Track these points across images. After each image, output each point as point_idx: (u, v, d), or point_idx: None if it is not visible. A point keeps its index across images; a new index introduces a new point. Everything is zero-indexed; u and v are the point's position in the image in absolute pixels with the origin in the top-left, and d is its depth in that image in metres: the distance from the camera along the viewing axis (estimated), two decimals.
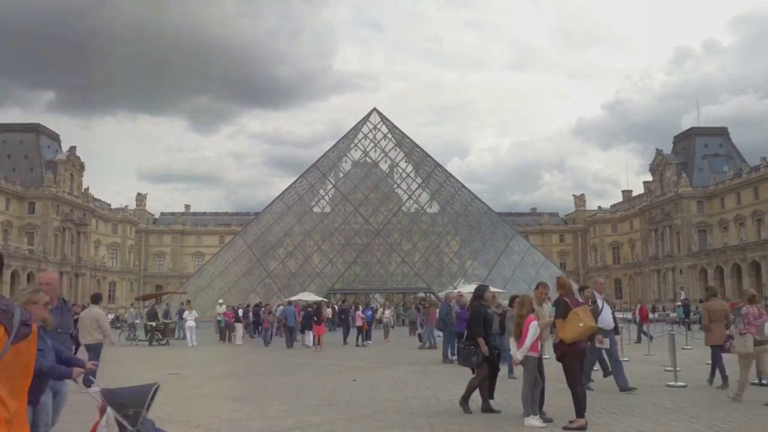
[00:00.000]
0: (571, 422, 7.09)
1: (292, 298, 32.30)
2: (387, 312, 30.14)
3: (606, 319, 10.32)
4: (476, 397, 9.11)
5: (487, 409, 8.22)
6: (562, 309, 7.26)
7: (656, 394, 9.82)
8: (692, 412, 8.12)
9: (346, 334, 24.80)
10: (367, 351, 20.64)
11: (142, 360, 18.41)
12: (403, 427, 7.36)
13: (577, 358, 7.31)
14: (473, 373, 8.46)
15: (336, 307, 34.44)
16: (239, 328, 25.13)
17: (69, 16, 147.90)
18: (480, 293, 8.77)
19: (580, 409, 7.13)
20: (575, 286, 9.95)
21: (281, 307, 27.20)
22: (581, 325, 7.15)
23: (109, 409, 4.37)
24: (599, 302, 10.30)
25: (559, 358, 7.44)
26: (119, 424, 4.35)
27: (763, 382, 10.61)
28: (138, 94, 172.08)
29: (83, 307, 17.97)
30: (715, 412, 8.10)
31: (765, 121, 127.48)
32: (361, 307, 27.85)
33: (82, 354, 9.13)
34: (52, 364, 4.60)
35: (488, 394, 8.33)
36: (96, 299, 12.49)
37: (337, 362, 15.81)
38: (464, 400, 8.30)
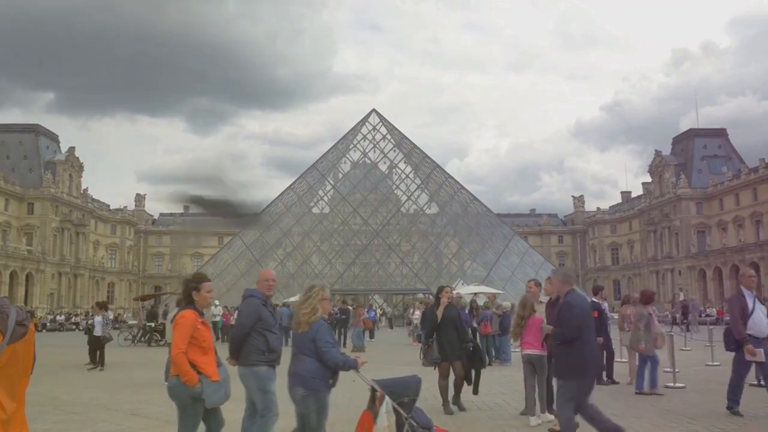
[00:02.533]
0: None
1: (291, 299, 32.24)
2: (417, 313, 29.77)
3: (758, 323, 7.87)
4: (475, 397, 9.10)
5: (447, 408, 8.23)
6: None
7: (655, 395, 9.82)
8: (691, 413, 8.12)
9: (344, 335, 24.80)
10: (366, 351, 20.62)
11: (141, 360, 18.37)
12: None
13: None
14: (434, 370, 8.48)
15: (335, 308, 34.32)
16: None
17: (69, 16, 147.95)
18: (437, 294, 8.75)
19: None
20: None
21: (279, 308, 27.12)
22: None
23: (387, 398, 4.58)
24: (749, 302, 7.96)
25: (550, 358, 7.39)
26: (396, 411, 4.57)
27: (762, 382, 10.60)
28: (137, 95, 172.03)
29: (86, 312, 18.12)
30: (714, 414, 8.09)
31: (763, 122, 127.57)
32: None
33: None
34: (344, 357, 4.94)
35: (458, 391, 8.42)
36: (180, 303, 13.10)
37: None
38: (456, 398, 8.42)
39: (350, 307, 26.26)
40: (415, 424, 4.62)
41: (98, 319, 16.10)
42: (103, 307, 16.79)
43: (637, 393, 9.88)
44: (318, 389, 4.89)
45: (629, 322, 11.64)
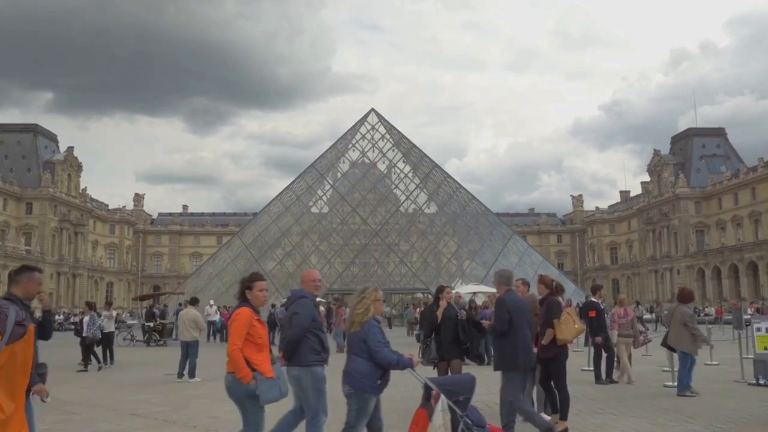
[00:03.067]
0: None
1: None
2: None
3: None
4: (474, 396, 9.11)
5: None
6: (557, 309, 7.22)
7: (654, 395, 9.84)
8: (690, 413, 8.12)
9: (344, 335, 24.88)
10: None
11: (140, 360, 18.37)
12: (401, 428, 7.32)
13: (565, 360, 7.32)
14: (433, 369, 8.49)
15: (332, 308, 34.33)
16: None
17: (67, 16, 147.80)
18: (436, 294, 8.75)
19: (564, 412, 7.06)
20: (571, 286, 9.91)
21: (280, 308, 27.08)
22: (576, 326, 7.16)
23: (442, 396, 4.65)
24: None
25: (549, 359, 7.28)
26: (451, 409, 4.65)
27: (761, 382, 10.62)
28: (136, 95, 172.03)
29: (82, 311, 18.20)
30: (713, 413, 8.10)
31: (762, 122, 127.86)
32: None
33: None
34: (398, 356, 5.01)
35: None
36: (194, 302, 13.97)
37: (335, 363, 15.78)
38: None
39: (333, 306, 26.04)
40: (469, 422, 4.68)
41: (86, 319, 16.07)
42: (92, 307, 16.78)
43: (679, 395, 9.53)
44: (364, 389, 4.97)
45: (613, 321, 12.29)
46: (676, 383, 10.58)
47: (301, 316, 5.37)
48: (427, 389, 4.76)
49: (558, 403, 7.15)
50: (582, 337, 14.89)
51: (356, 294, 5.34)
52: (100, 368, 15.55)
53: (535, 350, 7.68)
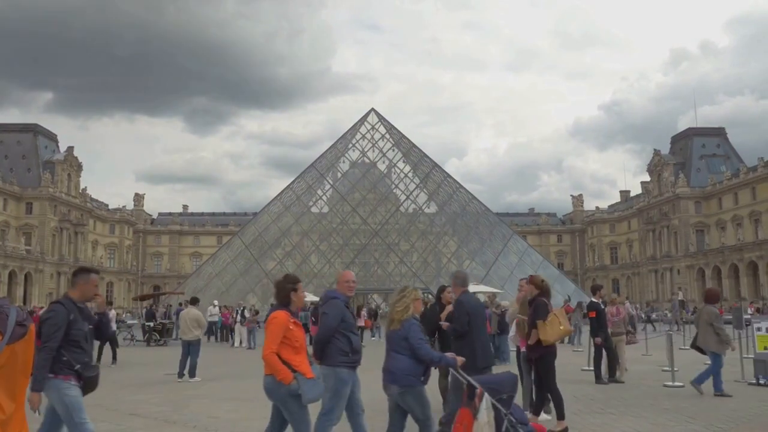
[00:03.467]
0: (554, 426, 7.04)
1: None
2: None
3: None
4: None
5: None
6: (543, 310, 7.26)
7: (654, 394, 9.83)
8: (690, 412, 8.12)
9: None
10: (365, 351, 20.63)
11: (141, 360, 18.37)
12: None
13: (553, 360, 7.34)
14: (434, 369, 8.49)
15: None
16: (243, 330, 24.38)
17: (67, 16, 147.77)
18: (438, 294, 8.75)
19: (560, 411, 7.08)
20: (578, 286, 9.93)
21: None
22: (561, 327, 7.16)
23: (486, 395, 4.70)
24: None
25: (536, 360, 7.38)
26: (495, 408, 4.71)
27: (761, 381, 10.62)
28: (136, 95, 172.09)
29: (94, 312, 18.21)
30: (713, 412, 8.10)
31: (762, 121, 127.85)
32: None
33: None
34: (439, 354, 5.26)
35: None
36: (195, 301, 14.09)
37: None
38: (444, 401, 8.40)
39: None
40: (513, 419, 4.74)
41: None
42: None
43: (716, 395, 9.43)
44: (412, 385, 5.09)
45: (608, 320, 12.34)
46: (673, 383, 10.58)
47: (329, 316, 5.45)
48: (471, 388, 4.81)
49: (552, 403, 7.20)
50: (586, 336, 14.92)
51: (396, 293, 5.47)
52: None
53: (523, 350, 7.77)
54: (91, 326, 4.80)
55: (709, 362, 9.91)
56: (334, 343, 5.37)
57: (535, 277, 7.77)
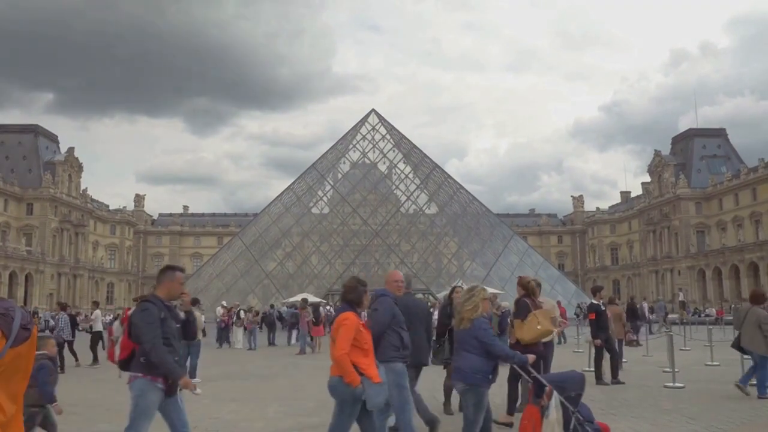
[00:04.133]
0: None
1: (290, 300, 32.25)
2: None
3: None
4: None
5: (447, 409, 8.29)
6: (523, 310, 7.39)
7: (654, 395, 9.83)
8: (690, 413, 8.12)
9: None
10: None
11: None
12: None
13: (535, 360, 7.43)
14: (443, 369, 8.51)
15: (335, 309, 34.34)
16: (238, 331, 24.22)
17: (68, 17, 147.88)
18: (450, 294, 8.88)
19: (511, 406, 7.36)
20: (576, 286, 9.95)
21: (285, 308, 26.89)
22: (539, 327, 7.19)
23: (555, 392, 4.77)
24: None
25: None
26: (563, 405, 4.78)
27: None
28: (136, 96, 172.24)
29: (66, 310, 18.13)
30: (714, 413, 8.10)
31: (762, 122, 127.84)
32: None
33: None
34: (513, 351, 5.44)
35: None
36: (194, 302, 13.82)
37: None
38: (446, 401, 8.44)
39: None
40: (581, 417, 4.81)
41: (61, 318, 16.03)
42: (63, 307, 16.78)
43: (760, 398, 9.22)
44: (478, 384, 5.15)
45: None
46: (673, 383, 10.58)
47: (380, 312, 5.58)
48: (540, 386, 4.87)
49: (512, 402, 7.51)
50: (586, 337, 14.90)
51: (465, 292, 5.61)
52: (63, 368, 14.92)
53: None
54: (178, 325, 4.80)
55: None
56: (386, 339, 5.48)
57: (522, 277, 7.94)
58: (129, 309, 6.81)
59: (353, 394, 4.68)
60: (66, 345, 15.64)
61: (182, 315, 5.08)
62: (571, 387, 4.89)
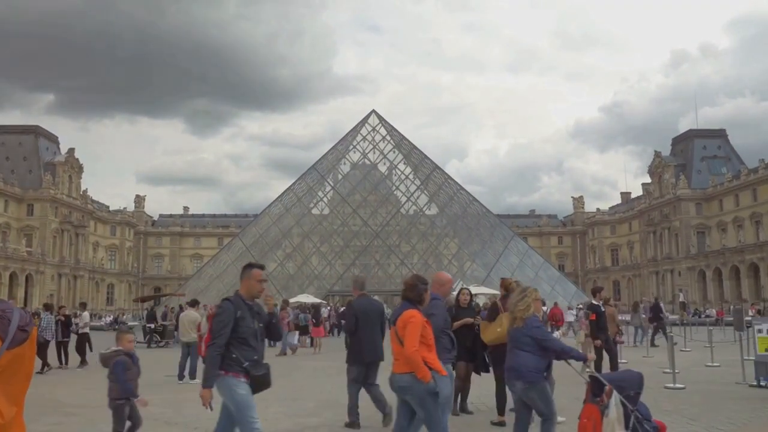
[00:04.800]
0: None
1: (291, 300, 32.15)
2: None
3: None
4: (476, 399, 9.11)
5: (463, 409, 8.35)
6: (493, 312, 7.59)
7: (655, 396, 9.82)
8: (691, 414, 8.12)
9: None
10: None
11: (141, 362, 18.33)
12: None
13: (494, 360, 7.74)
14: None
15: (336, 310, 34.31)
16: None
17: (68, 18, 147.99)
18: (457, 296, 9.01)
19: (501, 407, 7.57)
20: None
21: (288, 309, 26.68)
22: (499, 330, 7.25)
23: (614, 392, 4.82)
24: None
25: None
26: (623, 404, 4.83)
27: (762, 383, 10.61)
28: (136, 97, 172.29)
29: (70, 314, 18.04)
30: (714, 414, 8.10)
31: (762, 123, 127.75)
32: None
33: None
34: (569, 346, 5.54)
35: (463, 394, 8.46)
36: (194, 303, 14.24)
37: (335, 364, 15.80)
38: (459, 400, 8.41)
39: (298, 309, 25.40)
40: (640, 416, 4.86)
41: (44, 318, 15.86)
42: (47, 308, 16.67)
43: None
44: (536, 381, 5.24)
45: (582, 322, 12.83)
46: (674, 384, 10.57)
47: (437, 317, 5.70)
48: (599, 385, 4.92)
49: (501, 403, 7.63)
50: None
51: (517, 292, 5.72)
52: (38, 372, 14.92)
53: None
54: (261, 324, 4.78)
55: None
56: (439, 342, 5.50)
57: (505, 279, 8.21)
58: (214, 307, 7.03)
59: (428, 389, 4.73)
60: (48, 345, 15.35)
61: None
62: (629, 386, 4.96)
